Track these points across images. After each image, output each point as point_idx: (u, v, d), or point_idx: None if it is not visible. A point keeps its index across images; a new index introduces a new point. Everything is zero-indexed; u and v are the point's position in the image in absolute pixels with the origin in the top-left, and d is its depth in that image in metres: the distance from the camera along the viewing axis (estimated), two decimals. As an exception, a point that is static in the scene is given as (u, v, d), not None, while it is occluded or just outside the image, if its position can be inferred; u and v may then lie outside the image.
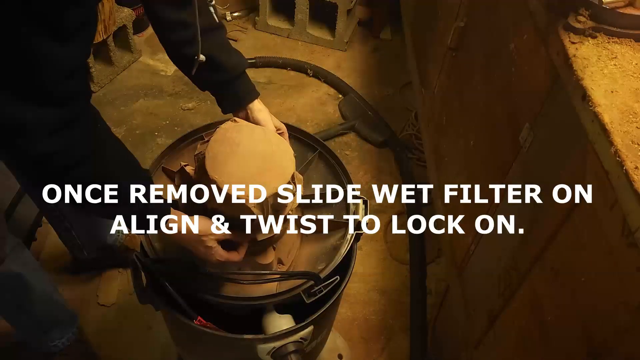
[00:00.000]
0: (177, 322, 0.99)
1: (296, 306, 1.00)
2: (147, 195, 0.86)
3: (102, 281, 1.75)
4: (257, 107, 1.07)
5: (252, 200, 0.88)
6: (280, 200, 0.92)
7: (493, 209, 1.14)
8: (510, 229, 1.05)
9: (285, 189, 0.91)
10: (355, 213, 1.08)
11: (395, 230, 2.00)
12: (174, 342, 1.28)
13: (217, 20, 1.02)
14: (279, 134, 1.08)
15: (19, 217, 1.74)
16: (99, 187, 0.77)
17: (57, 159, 0.70)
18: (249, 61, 2.59)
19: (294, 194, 0.96)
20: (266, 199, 0.89)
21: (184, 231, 0.90)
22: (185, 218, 0.91)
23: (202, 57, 0.99)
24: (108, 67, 2.46)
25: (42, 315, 1.39)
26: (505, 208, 1.10)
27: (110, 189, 0.79)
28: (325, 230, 1.09)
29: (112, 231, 1.69)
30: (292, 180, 0.94)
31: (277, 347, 0.97)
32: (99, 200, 0.79)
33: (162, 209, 0.89)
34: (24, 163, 0.71)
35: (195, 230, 0.91)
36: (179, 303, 0.96)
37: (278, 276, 1.00)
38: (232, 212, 0.93)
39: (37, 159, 0.69)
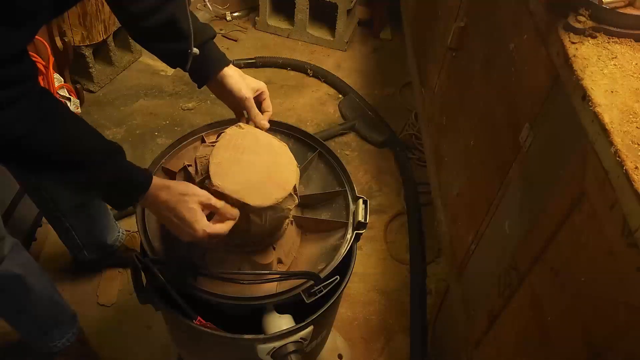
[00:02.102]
0: (177, 322, 0.99)
1: (296, 306, 1.00)
2: (117, 162, 0.84)
3: (102, 281, 1.75)
4: (228, 73, 1.02)
5: (252, 209, 0.90)
6: (281, 213, 0.94)
7: (493, 209, 1.14)
8: (510, 229, 1.05)
9: (285, 200, 0.92)
10: (355, 213, 1.08)
11: (395, 230, 2.00)
12: (174, 342, 1.28)
13: None
14: (259, 95, 1.06)
15: (19, 217, 1.74)
16: (52, 155, 0.77)
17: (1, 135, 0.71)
18: (249, 61, 2.60)
19: (296, 203, 0.98)
20: (266, 209, 0.91)
21: (164, 195, 0.86)
22: (165, 180, 0.89)
23: (195, 51, 0.97)
24: (108, 67, 2.46)
25: (42, 316, 1.39)
26: (505, 208, 1.10)
27: (68, 157, 0.79)
28: (326, 231, 1.09)
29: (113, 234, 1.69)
30: (294, 191, 0.95)
31: (277, 347, 0.97)
32: (55, 170, 0.79)
33: (140, 175, 0.86)
34: None
35: (174, 188, 0.87)
36: (179, 303, 0.97)
37: (278, 276, 1.00)
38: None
39: None
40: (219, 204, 0.89)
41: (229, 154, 0.95)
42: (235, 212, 0.90)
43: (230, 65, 1.04)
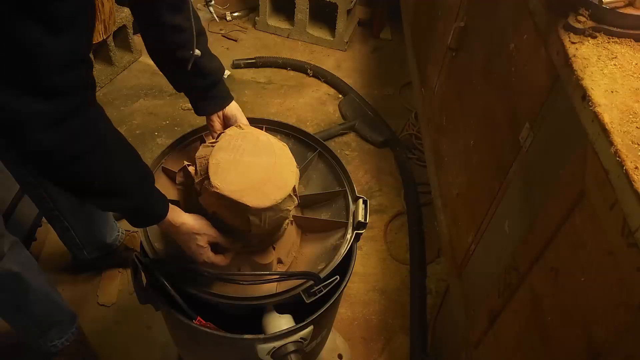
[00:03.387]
0: (177, 322, 0.99)
1: (296, 306, 1.00)
2: (149, 191, 0.88)
3: (102, 281, 1.75)
4: (231, 107, 1.11)
5: (251, 210, 0.90)
6: (280, 214, 0.94)
7: (493, 209, 1.14)
8: (510, 229, 1.05)
9: (285, 201, 0.92)
10: (355, 213, 1.08)
11: (395, 230, 2.00)
12: (174, 342, 1.28)
13: (202, 26, 1.05)
14: None
15: (19, 217, 1.74)
16: (98, 182, 0.78)
17: (53, 153, 0.70)
18: (249, 61, 2.60)
19: (296, 205, 0.98)
20: (265, 210, 0.91)
21: (179, 226, 0.93)
22: (183, 214, 0.93)
23: (197, 52, 1.00)
24: (108, 67, 2.46)
25: (40, 315, 1.39)
26: (505, 208, 1.10)
27: (111, 186, 0.81)
28: (325, 231, 1.09)
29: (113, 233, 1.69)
30: (294, 192, 0.95)
31: (277, 347, 0.97)
32: (98, 196, 0.81)
33: (163, 206, 0.90)
34: (21, 157, 0.71)
35: (190, 226, 0.93)
36: (179, 303, 0.97)
37: (278, 276, 1.00)
38: (231, 219, 0.94)
39: (33, 153, 0.69)
40: (226, 242, 0.98)
41: (228, 155, 0.95)
42: (237, 246, 0.99)
43: (233, 102, 1.12)
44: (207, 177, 0.92)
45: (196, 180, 0.97)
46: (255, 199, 0.90)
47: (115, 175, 0.80)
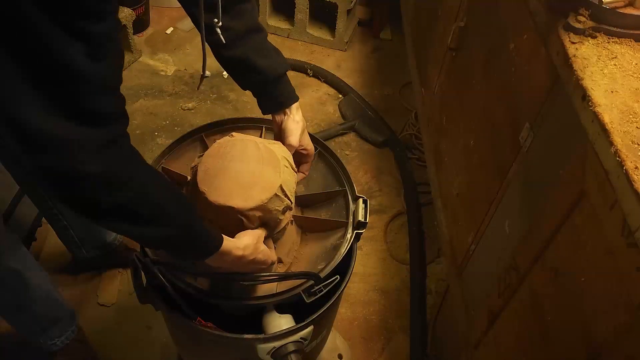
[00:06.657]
0: (177, 322, 0.99)
1: (296, 306, 1.00)
2: (196, 217, 0.84)
3: (102, 281, 1.75)
4: (293, 116, 1.09)
5: (237, 212, 0.91)
6: (270, 215, 0.94)
7: (493, 209, 1.14)
8: (510, 229, 1.05)
9: (271, 201, 0.93)
10: (355, 213, 1.08)
11: (395, 230, 2.00)
12: (174, 342, 1.28)
13: (257, 24, 1.02)
14: (302, 155, 1.09)
15: (19, 217, 1.74)
16: (144, 210, 0.75)
17: (98, 179, 0.67)
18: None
19: (289, 205, 0.98)
20: (253, 212, 0.92)
21: (245, 246, 0.90)
22: (234, 238, 0.91)
23: (207, 73, 1.01)
24: (108, 67, 2.46)
25: (41, 313, 1.39)
26: (505, 208, 1.10)
27: (158, 211, 0.77)
28: (326, 230, 1.09)
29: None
30: (282, 193, 0.95)
31: (277, 347, 0.97)
32: (144, 226, 0.77)
33: (216, 230, 0.87)
34: (62, 183, 0.68)
35: (252, 239, 0.92)
36: (179, 303, 0.97)
37: (278, 276, 1.00)
38: (225, 224, 0.94)
39: (79, 179, 0.66)
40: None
41: (216, 162, 0.97)
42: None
43: (296, 108, 1.10)
44: (195, 184, 0.93)
45: (186, 188, 0.98)
46: (240, 201, 0.91)
47: (160, 202, 0.77)
